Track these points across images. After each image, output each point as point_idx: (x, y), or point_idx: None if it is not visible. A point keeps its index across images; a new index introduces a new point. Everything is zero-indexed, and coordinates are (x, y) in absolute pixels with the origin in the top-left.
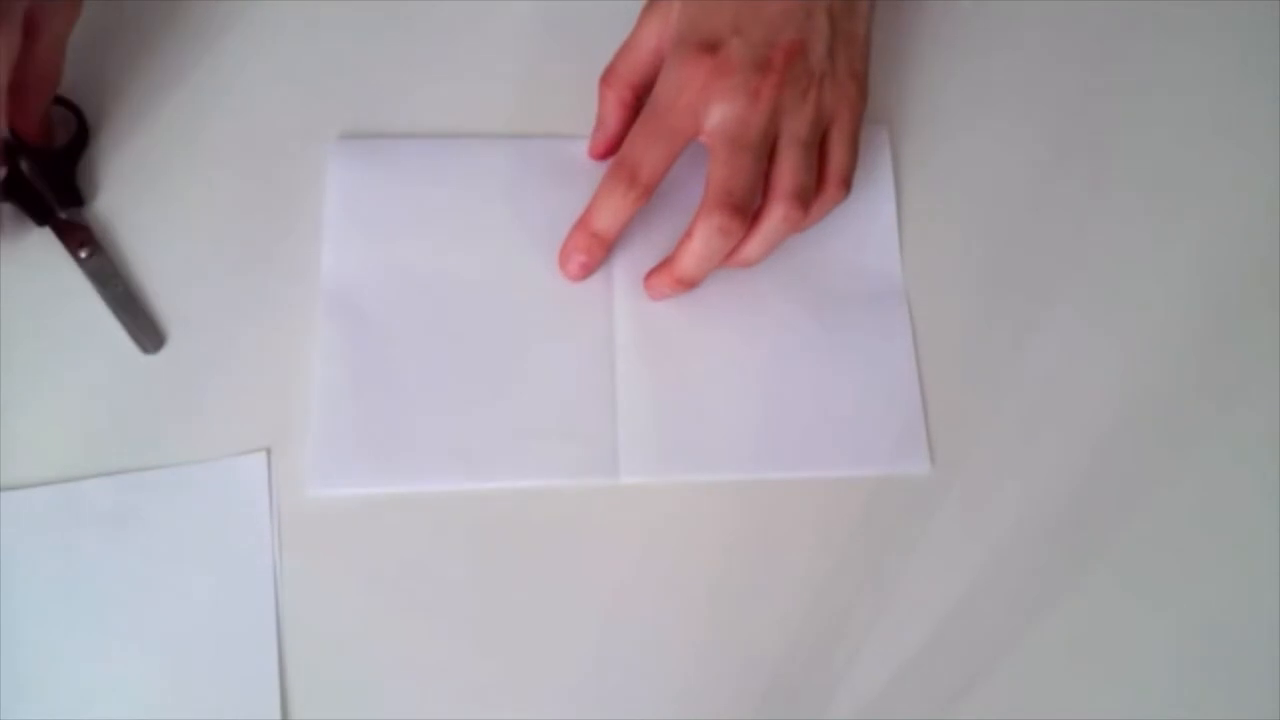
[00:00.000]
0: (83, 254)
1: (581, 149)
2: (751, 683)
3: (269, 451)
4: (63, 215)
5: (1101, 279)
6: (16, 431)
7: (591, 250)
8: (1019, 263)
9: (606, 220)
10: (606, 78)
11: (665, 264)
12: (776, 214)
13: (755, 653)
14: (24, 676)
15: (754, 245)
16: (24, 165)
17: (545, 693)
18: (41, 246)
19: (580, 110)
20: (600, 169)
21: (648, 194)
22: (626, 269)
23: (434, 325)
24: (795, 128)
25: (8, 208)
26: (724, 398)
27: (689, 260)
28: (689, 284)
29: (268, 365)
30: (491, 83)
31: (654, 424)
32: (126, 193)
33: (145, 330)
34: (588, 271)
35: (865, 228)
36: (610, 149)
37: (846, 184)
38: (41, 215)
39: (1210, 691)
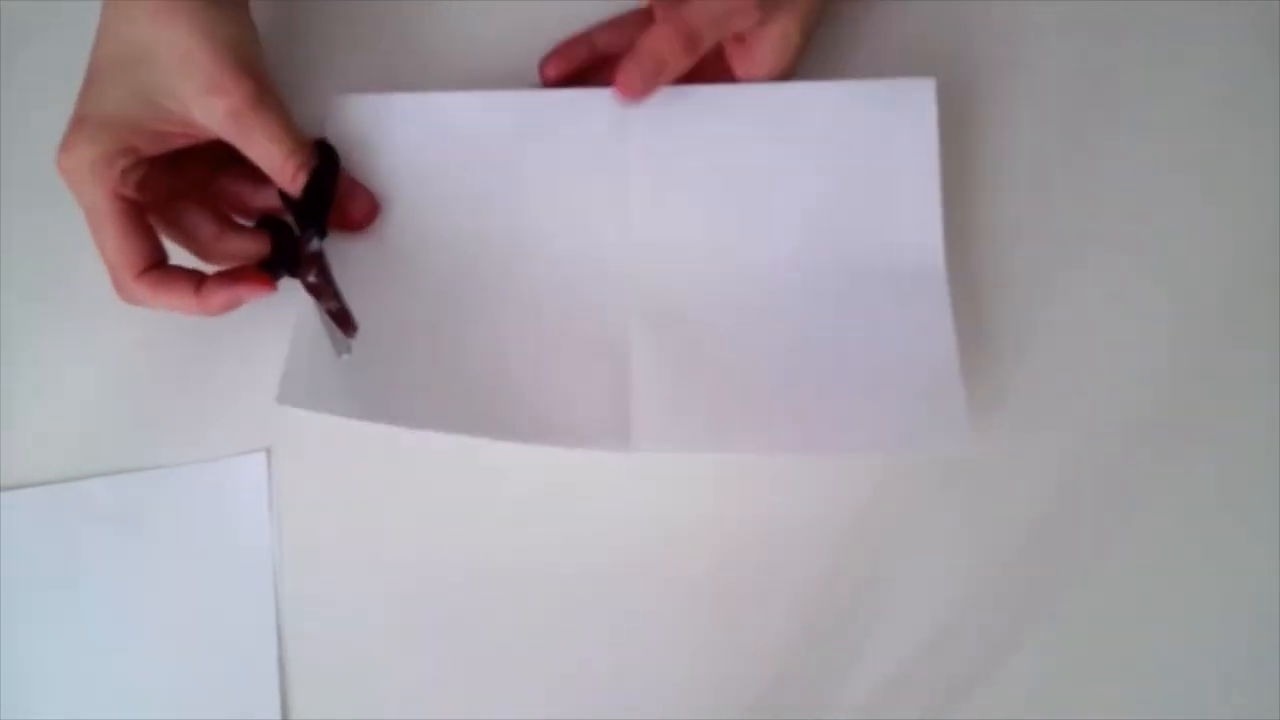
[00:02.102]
0: (310, 278)
1: (589, 101)
2: (751, 678)
3: (269, 451)
4: (308, 249)
5: (1108, 278)
6: (16, 431)
7: (647, 79)
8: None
9: (652, 76)
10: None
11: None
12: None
13: (755, 648)
14: (24, 676)
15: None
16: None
17: (543, 691)
18: None
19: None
20: (601, 140)
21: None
22: (645, 237)
23: (430, 272)
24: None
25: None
26: (746, 369)
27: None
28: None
29: (268, 365)
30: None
31: (670, 393)
32: None
33: (347, 330)
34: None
35: (907, 197)
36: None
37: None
38: (293, 265)
39: (1210, 691)
